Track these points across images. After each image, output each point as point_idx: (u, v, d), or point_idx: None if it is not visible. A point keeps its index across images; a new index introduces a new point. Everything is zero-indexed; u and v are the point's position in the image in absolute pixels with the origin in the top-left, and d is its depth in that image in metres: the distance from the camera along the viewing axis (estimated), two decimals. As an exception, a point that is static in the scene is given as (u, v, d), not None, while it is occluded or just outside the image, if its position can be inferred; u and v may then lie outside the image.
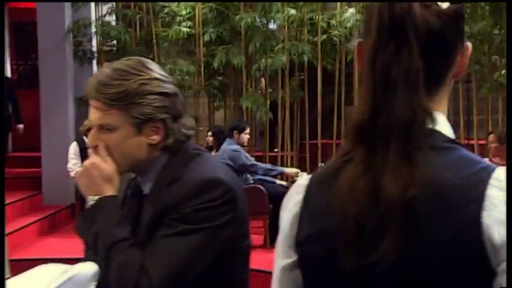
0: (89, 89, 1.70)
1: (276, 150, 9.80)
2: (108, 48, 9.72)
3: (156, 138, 1.72)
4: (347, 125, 1.06)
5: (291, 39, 9.24)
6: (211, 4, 9.25)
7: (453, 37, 1.05)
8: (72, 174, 8.26)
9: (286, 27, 9.21)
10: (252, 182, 7.34)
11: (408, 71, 1.00)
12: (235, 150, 7.22)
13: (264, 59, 8.89)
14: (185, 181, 1.67)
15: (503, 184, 0.98)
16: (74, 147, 8.32)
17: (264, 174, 7.27)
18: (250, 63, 9.17)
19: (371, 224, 0.98)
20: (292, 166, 9.32)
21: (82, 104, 9.58)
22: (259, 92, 9.45)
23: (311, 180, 1.13)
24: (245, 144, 7.50)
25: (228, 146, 7.32)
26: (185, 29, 9.10)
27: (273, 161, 9.07)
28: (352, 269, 1.00)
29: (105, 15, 9.59)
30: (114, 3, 9.65)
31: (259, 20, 9.07)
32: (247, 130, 7.45)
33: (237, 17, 8.93)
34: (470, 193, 0.96)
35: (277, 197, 7.13)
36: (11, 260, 6.71)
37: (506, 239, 0.94)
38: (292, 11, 9.03)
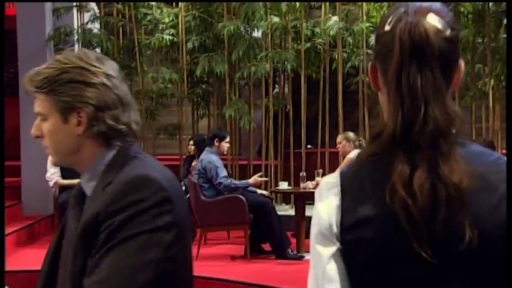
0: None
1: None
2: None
3: (79, 128, 1.71)
4: (374, 133, 1.27)
5: (275, 47, 9.23)
6: (194, 11, 9.24)
7: (455, 57, 1.29)
8: (51, 183, 8.22)
9: (269, 35, 9.20)
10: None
11: (435, 85, 1.23)
12: (210, 162, 7.19)
13: (247, 67, 8.86)
14: (115, 182, 1.63)
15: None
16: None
17: (229, 192, 7.19)
18: (233, 71, 9.15)
19: (436, 210, 1.20)
20: (276, 175, 9.29)
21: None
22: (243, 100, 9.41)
23: (342, 177, 1.31)
24: (225, 152, 7.47)
25: (206, 155, 7.29)
26: (168, 37, 9.08)
27: (258, 170, 9.02)
28: (429, 247, 1.19)
29: (87, 23, 9.56)
30: (96, 10, 9.62)
31: (243, 28, 9.05)
32: (228, 139, 7.41)
33: (220, 25, 8.91)
34: (496, 177, 1.24)
35: (258, 207, 7.13)
36: (-15, 272, 6.66)
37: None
38: (276, 19, 9.03)
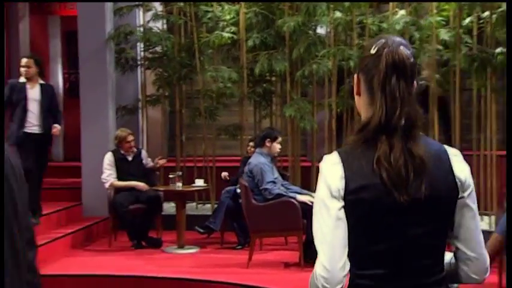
0: None
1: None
2: (151, 55, 9.71)
3: None
4: (361, 125, 1.89)
5: (339, 44, 8.96)
6: (255, 8, 9.10)
7: (414, 75, 1.91)
8: (106, 185, 8.28)
9: (332, 31, 8.95)
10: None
11: (407, 91, 1.87)
12: (256, 165, 7.02)
13: (308, 65, 8.64)
14: None
15: (453, 151, 1.96)
16: (108, 157, 8.34)
17: (272, 199, 6.96)
18: (295, 69, 8.94)
19: (409, 173, 1.83)
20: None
21: (125, 113, 9.65)
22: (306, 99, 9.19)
23: (340, 154, 1.91)
24: (276, 154, 7.28)
25: (256, 157, 7.14)
26: (227, 35, 8.96)
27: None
28: (405, 200, 1.83)
29: (148, 22, 9.59)
30: (158, 9, 9.65)
31: (306, 24, 8.84)
32: (279, 139, 7.22)
33: (280, 21, 8.73)
34: (443, 158, 1.91)
35: (311, 212, 6.89)
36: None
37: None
38: (338, 14, 8.76)
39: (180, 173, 8.40)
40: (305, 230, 6.83)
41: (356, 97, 1.99)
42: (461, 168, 1.94)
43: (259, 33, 9.12)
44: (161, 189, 8.31)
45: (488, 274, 2.01)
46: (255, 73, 8.96)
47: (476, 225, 1.97)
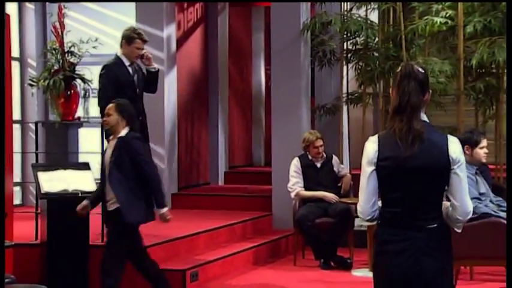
0: None
1: None
2: (354, 47, 9.03)
3: None
4: (389, 112, 3.30)
5: None
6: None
7: (426, 85, 3.21)
8: (292, 194, 7.76)
9: None
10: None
11: (414, 88, 3.17)
12: None
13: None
14: None
15: (452, 138, 3.22)
16: (295, 163, 7.83)
17: (476, 219, 5.85)
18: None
19: (408, 137, 3.13)
20: None
21: (323, 113, 9.10)
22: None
23: (379, 136, 3.23)
24: (483, 161, 6.16)
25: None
26: (440, 19, 7.98)
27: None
28: (408, 165, 3.13)
29: (351, 9, 8.92)
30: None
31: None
32: (483, 143, 6.11)
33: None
34: (441, 143, 3.19)
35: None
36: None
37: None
38: None
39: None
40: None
41: (391, 96, 3.29)
42: (453, 150, 3.17)
43: (481, 16, 8.02)
44: (350, 201, 7.58)
45: (468, 217, 3.28)
46: (472, 65, 7.89)
47: (461, 185, 3.21)
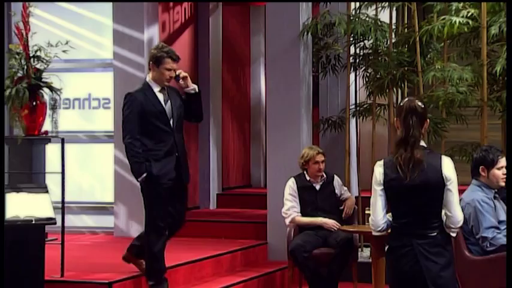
0: None
1: None
2: (362, 51, 8.38)
3: None
4: (395, 143, 4.14)
5: None
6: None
7: (425, 116, 4.15)
8: (287, 221, 7.13)
9: None
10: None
11: (417, 123, 4.08)
12: (469, 203, 5.35)
13: None
14: None
15: (446, 159, 4.13)
16: (290, 185, 7.20)
17: (494, 251, 5.22)
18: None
19: (409, 166, 4.03)
20: None
21: (328, 127, 8.48)
22: None
23: (384, 161, 4.12)
24: (502, 184, 5.48)
25: (470, 192, 5.42)
26: (460, 20, 7.29)
27: None
28: (410, 185, 4.01)
29: (360, 7, 8.26)
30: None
31: None
32: (501, 163, 5.41)
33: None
34: (437, 163, 4.08)
35: None
36: None
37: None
38: None
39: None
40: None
41: (397, 130, 4.13)
42: (446, 169, 4.01)
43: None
44: (353, 229, 6.89)
45: (459, 225, 4.07)
46: (497, 71, 7.20)
47: (453, 199, 4.01)
